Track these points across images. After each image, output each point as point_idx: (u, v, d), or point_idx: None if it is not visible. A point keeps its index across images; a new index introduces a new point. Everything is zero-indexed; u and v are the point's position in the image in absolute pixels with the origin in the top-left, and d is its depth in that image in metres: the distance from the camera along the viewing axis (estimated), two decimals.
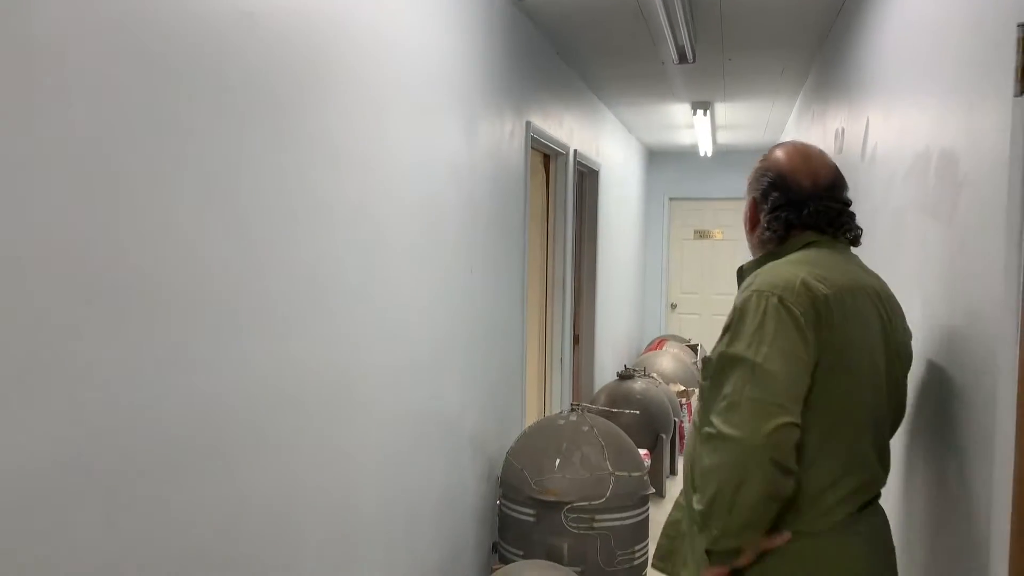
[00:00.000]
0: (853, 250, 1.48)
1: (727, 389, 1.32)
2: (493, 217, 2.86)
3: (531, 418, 4.13)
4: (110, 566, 1.11)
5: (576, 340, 5.05)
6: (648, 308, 8.64)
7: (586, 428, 2.78)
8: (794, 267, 1.38)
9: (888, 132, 1.91)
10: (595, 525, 2.61)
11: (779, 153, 1.56)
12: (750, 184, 1.61)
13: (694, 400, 5.73)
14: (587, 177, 5.08)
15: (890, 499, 1.48)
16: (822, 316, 1.31)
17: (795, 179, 1.50)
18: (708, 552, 1.33)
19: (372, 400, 1.89)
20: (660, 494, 4.68)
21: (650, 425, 4.74)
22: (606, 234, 5.66)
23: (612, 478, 2.66)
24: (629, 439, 2.89)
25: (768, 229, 1.54)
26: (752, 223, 1.61)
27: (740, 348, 1.34)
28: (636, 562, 2.71)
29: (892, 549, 1.40)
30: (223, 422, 1.34)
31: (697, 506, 1.32)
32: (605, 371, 5.71)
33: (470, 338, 2.62)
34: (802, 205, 1.47)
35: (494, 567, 2.71)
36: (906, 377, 1.42)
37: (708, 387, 1.41)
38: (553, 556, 2.61)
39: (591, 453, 2.69)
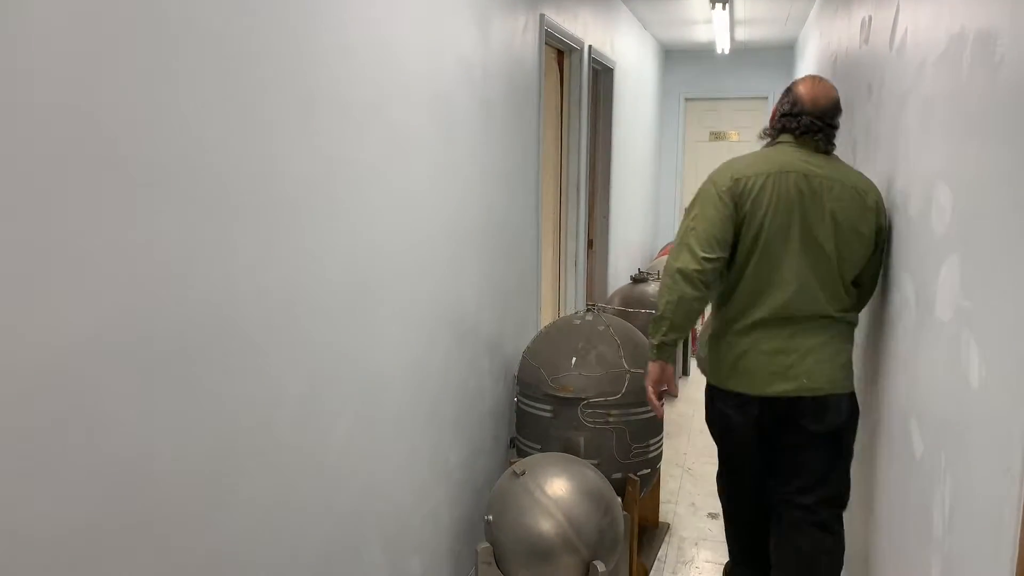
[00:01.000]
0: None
1: (675, 241, 2.14)
2: (507, 116, 2.80)
3: (547, 320, 4.17)
4: (145, 445, 1.15)
5: (590, 244, 5.04)
6: (662, 212, 8.57)
7: (602, 327, 2.81)
8: (744, 159, 2.20)
9: (920, 16, 1.83)
10: (610, 420, 2.67)
11: (801, 80, 2.19)
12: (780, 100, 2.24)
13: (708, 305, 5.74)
14: (602, 76, 4.94)
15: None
16: (740, 191, 2.08)
17: (800, 99, 2.13)
18: (652, 348, 2.22)
19: (391, 301, 1.91)
20: (672, 393, 4.77)
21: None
22: (620, 136, 5.56)
23: (628, 375, 2.70)
24: (644, 337, 2.93)
25: (768, 132, 2.25)
26: (764, 129, 2.30)
27: (687, 218, 2.15)
28: (651, 455, 2.78)
29: (810, 350, 2.06)
30: (245, 316, 1.36)
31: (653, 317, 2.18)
32: (619, 275, 5.73)
33: (485, 240, 2.61)
34: (797, 118, 2.12)
35: (511, 461, 2.80)
36: (860, 235, 2.03)
37: None
38: (570, 449, 2.68)
39: (607, 351, 2.73)
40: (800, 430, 2.10)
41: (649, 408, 2.76)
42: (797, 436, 2.11)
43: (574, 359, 2.73)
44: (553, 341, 2.82)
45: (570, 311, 4.17)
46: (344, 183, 1.65)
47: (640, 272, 5.06)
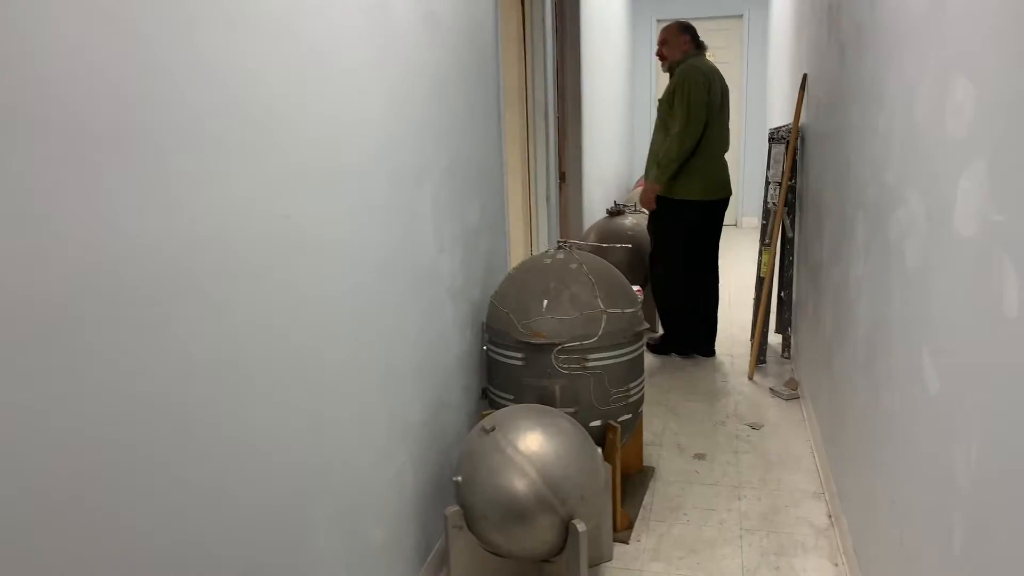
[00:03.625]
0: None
1: (680, 114, 3.82)
2: (459, 33, 2.51)
3: (518, 261, 3.93)
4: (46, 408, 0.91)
5: (562, 178, 4.77)
6: (637, 142, 8.28)
7: (574, 266, 2.58)
8: (700, 63, 3.85)
9: None
10: (587, 365, 2.47)
11: (684, 22, 3.97)
12: (674, 36, 3.96)
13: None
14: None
15: None
16: (708, 83, 3.81)
17: (692, 30, 3.96)
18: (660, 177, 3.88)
19: (328, 245, 1.67)
20: (653, 329, 4.59)
21: (642, 261, 4.57)
22: (590, 62, 5.24)
23: (604, 316, 2.49)
24: (621, 275, 2.70)
25: (690, 51, 3.93)
26: (681, 49, 3.94)
27: (688, 102, 3.79)
28: (632, 399, 2.60)
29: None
30: (155, 272, 1.11)
31: (659, 158, 3.85)
32: (594, 209, 5.48)
33: (441, 176, 2.35)
34: (698, 41, 3.96)
35: (483, 413, 2.60)
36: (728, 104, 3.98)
37: (668, 111, 3.90)
38: (545, 399, 2.49)
39: (580, 291, 2.51)
40: (721, 219, 4.05)
41: (629, 350, 2.57)
42: (719, 223, 4.05)
43: (545, 302, 2.50)
44: (522, 284, 2.60)
45: (543, 250, 3.93)
46: (248, 112, 1.38)
47: (616, 204, 4.82)
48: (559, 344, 2.45)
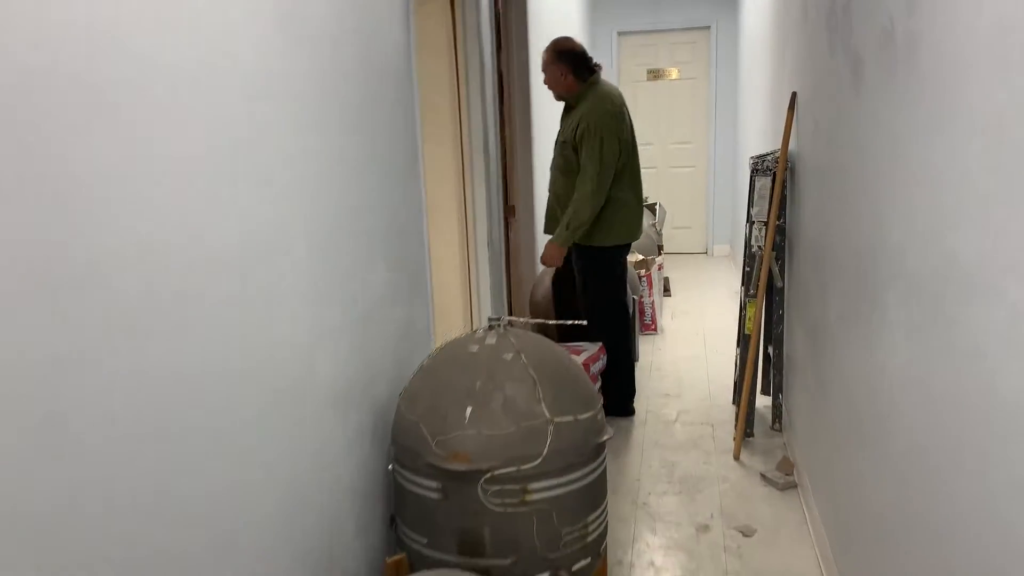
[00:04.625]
0: None
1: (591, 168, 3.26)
2: (349, 46, 1.82)
3: (453, 329, 3.25)
4: None
5: (512, 212, 4.11)
6: None
7: (510, 355, 1.89)
8: (611, 97, 3.32)
9: None
10: (528, 498, 1.78)
11: (563, 40, 3.33)
12: (551, 66, 3.32)
13: (655, 272, 4.90)
14: (512, 2, 3.94)
15: None
16: (621, 124, 3.30)
17: (579, 50, 3.33)
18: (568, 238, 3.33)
19: (134, 353, 0.96)
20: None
21: None
22: (541, 79, 4.59)
23: (550, 428, 1.80)
24: (574, 362, 2.03)
25: (585, 77, 3.34)
26: (563, 84, 3.35)
27: (598, 149, 3.24)
28: (591, 537, 1.91)
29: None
30: None
31: (569, 220, 3.30)
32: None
33: (315, 238, 1.66)
34: (589, 62, 3.36)
35: (388, 560, 1.90)
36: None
37: (572, 155, 3.33)
38: (470, 544, 1.79)
39: (518, 393, 1.83)
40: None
41: (586, 470, 1.89)
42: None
43: (469, 409, 1.81)
44: (438, 382, 1.90)
45: (486, 308, 3.25)
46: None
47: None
48: (488, 470, 1.76)
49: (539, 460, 1.78)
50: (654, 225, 5.96)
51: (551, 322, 2.09)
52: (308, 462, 1.63)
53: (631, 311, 4.13)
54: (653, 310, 4.94)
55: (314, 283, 1.64)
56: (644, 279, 4.87)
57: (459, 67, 3.07)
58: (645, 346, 4.74)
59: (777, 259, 3.24)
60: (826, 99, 2.46)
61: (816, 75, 2.65)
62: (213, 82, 1.26)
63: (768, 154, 3.36)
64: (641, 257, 5.02)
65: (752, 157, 3.39)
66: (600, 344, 3.50)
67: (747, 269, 3.32)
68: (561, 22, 5.36)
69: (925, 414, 1.44)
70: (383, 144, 2.04)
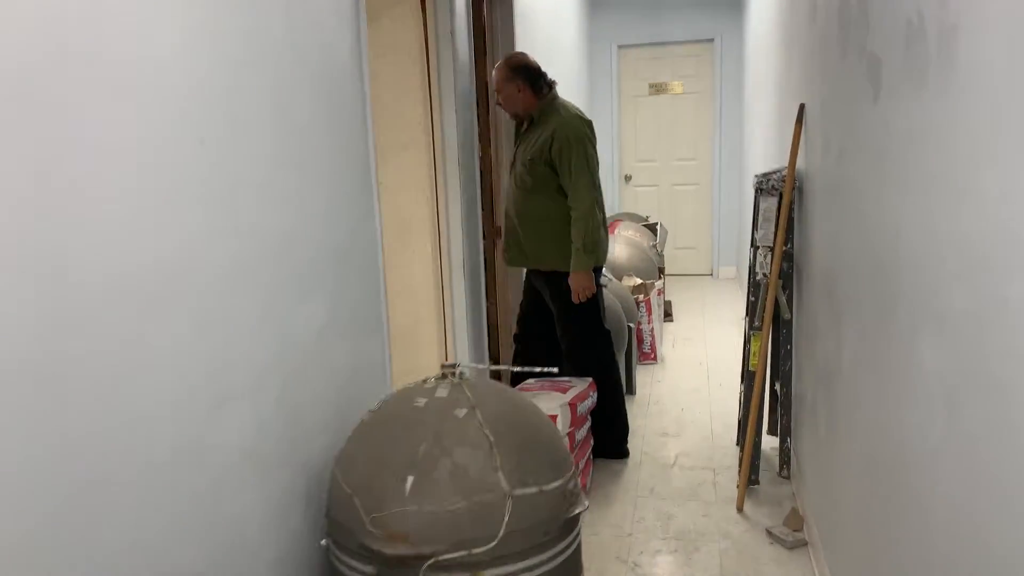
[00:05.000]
0: None
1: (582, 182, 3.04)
2: (286, 48, 1.54)
3: (424, 368, 2.95)
4: None
5: (498, 233, 3.81)
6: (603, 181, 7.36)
7: (463, 411, 1.59)
8: (575, 108, 3.11)
9: None
10: None
11: (515, 58, 3.05)
12: (509, 80, 3.01)
13: (654, 297, 4.58)
14: (496, 6, 3.67)
15: None
16: (594, 135, 3.13)
17: (534, 65, 3.05)
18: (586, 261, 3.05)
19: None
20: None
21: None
22: None
23: (509, 502, 1.49)
24: (542, 417, 1.72)
25: (544, 92, 3.06)
26: (526, 97, 3.04)
27: (583, 161, 3.03)
28: None
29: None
30: None
31: (583, 243, 3.02)
32: None
33: (221, 271, 1.36)
34: (545, 77, 3.07)
35: None
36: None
37: (548, 173, 3.03)
38: None
39: (470, 459, 1.52)
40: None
41: (555, 551, 1.57)
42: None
43: (410, 480, 1.50)
44: (375, 443, 1.60)
45: (462, 346, 2.94)
46: None
47: None
48: (431, 555, 1.45)
49: (494, 543, 1.46)
50: (655, 246, 5.66)
51: (515, 368, 1.79)
52: (210, 542, 1.32)
53: (624, 339, 3.82)
54: (652, 338, 4.63)
55: (218, 323, 1.34)
56: (643, 304, 4.55)
57: (431, 74, 2.79)
58: (643, 377, 4.42)
59: (784, 288, 2.93)
60: (837, 110, 2.17)
61: (826, 83, 2.35)
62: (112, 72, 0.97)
63: (774, 172, 3.06)
64: (639, 281, 4.71)
65: (757, 176, 3.09)
66: (590, 380, 3.19)
67: (752, 298, 3.01)
68: (555, 35, 5.10)
69: (973, 494, 1.12)
70: (324, 159, 1.75)
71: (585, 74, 6.65)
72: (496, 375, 3.55)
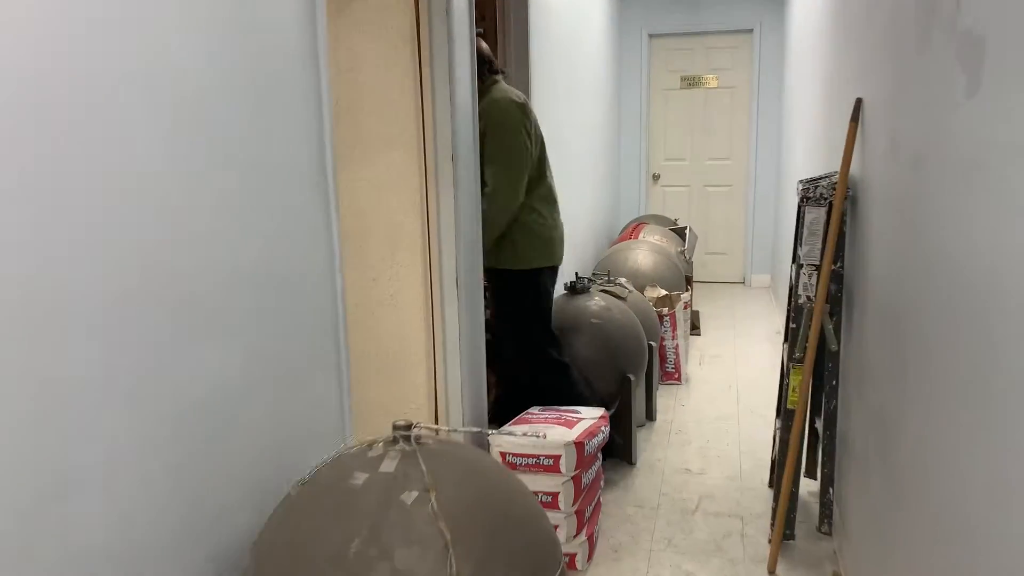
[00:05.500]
0: None
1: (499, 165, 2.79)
2: (191, 34, 1.16)
3: (412, 409, 2.59)
4: None
5: None
6: (624, 180, 6.95)
7: (414, 494, 1.20)
8: (514, 92, 2.82)
9: None
10: None
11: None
12: None
13: (679, 311, 4.17)
14: None
15: None
16: (528, 120, 2.80)
17: (483, 51, 2.80)
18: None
19: None
20: (631, 461, 3.20)
21: (611, 362, 3.20)
22: (549, 82, 3.91)
23: None
24: (526, 501, 1.32)
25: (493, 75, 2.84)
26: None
27: (507, 150, 2.79)
28: None
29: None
30: None
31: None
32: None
33: (101, 309, 0.99)
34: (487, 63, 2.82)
35: None
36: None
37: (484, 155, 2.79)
38: None
39: (416, 564, 1.13)
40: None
41: None
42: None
43: None
44: (297, 532, 1.22)
45: (455, 380, 2.56)
46: None
47: (579, 278, 3.45)
48: None
49: None
50: (683, 252, 5.22)
51: (489, 432, 1.40)
52: None
53: (643, 360, 3.41)
54: (676, 356, 4.21)
55: (55, 384, 0.97)
56: (667, 319, 4.13)
57: (423, 59, 2.40)
58: (665, 399, 4.00)
59: (831, 315, 2.50)
60: (911, 106, 1.74)
61: (895, 72, 1.92)
62: None
63: (821, 178, 2.63)
64: (664, 292, 4.28)
65: (801, 181, 2.66)
66: (602, 411, 2.79)
67: (792, 325, 2.58)
68: (577, 20, 4.68)
69: None
70: (244, 163, 1.37)
71: (612, 64, 6.22)
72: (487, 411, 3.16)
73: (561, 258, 2.98)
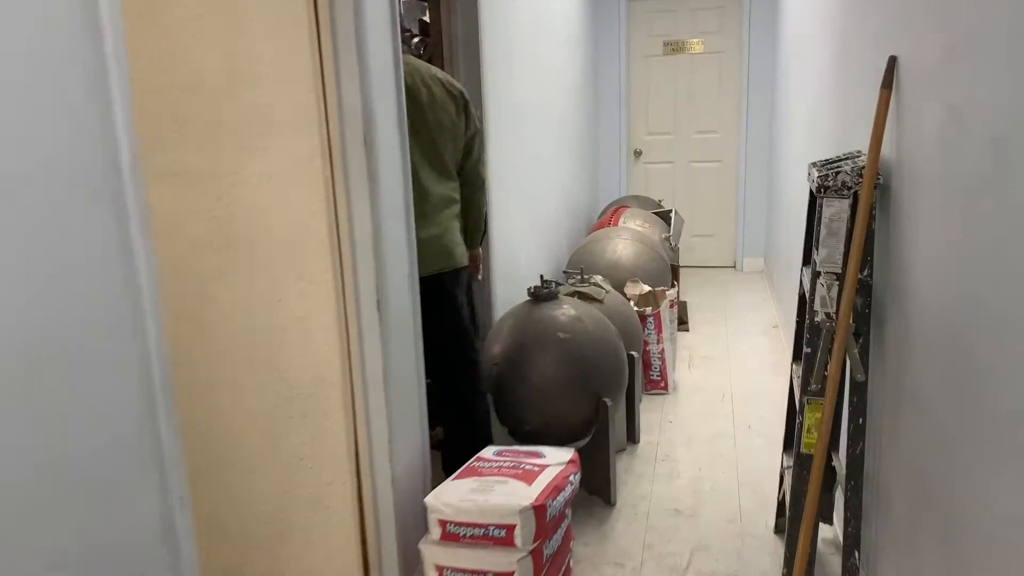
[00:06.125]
0: None
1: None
2: None
3: (322, 452, 2.04)
4: None
5: None
6: (603, 160, 6.36)
7: None
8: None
9: None
10: None
11: None
12: None
13: (665, 310, 3.63)
14: None
15: None
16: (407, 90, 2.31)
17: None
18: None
19: None
20: (609, 501, 2.67)
21: (584, 385, 2.67)
22: (503, 44, 3.32)
23: None
24: None
25: None
26: None
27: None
28: None
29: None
30: None
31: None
32: (520, 279, 3.54)
33: None
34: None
35: None
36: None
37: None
38: None
39: None
40: None
41: None
42: None
43: None
44: None
45: (377, 415, 2.00)
46: None
47: (544, 282, 2.90)
48: None
49: None
50: (668, 239, 4.67)
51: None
52: None
53: (623, 376, 2.88)
54: (662, 361, 3.67)
55: None
56: (651, 320, 3.59)
57: (319, 10, 1.81)
58: (651, 415, 3.47)
59: (857, 336, 1.96)
60: (990, 65, 1.18)
61: (958, 19, 1.36)
62: None
63: (840, 160, 2.07)
64: (647, 288, 3.74)
65: (816, 165, 2.10)
66: (572, 454, 2.25)
67: (807, 349, 2.04)
68: None
69: None
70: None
71: (587, 29, 5.61)
72: (435, 445, 2.62)
73: (426, 270, 2.37)
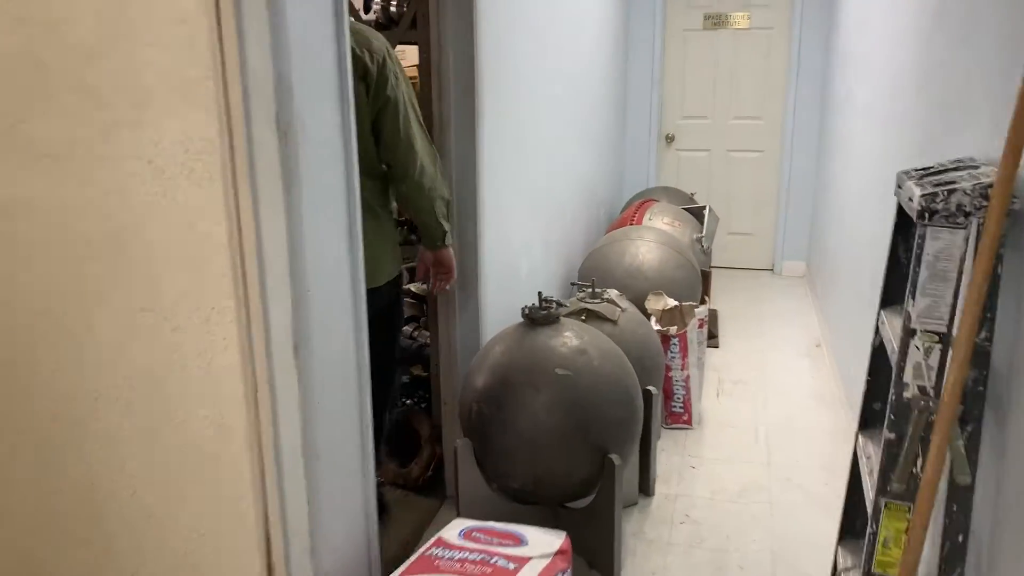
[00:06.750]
0: None
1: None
2: None
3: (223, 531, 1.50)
4: None
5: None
6: (630, 146, 5.75)
7: None
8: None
9: None
10: None
11: None
12: None
13: (692, 331, 3.07)
14: None
15: None
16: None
17: None
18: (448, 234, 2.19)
19: None
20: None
21: (585, 436, 2.13)
22: (505, 4, 2.75)
23: None
24: None
25: None
26: None
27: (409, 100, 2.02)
28: None
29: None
30: None
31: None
32: (521, 290, 2.98)
33: None
34: None
35: None
36: None
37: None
38: None
39: None
40: None
41: None
42: None
43: None
44: None
45: (294, 489, 1.48)
46: None
47: (544, 301, 2.34)
48: None
49: None
50: (699, 239, 4.08)
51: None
52: None
53: (638, 421, 2.33)
54: (687, 390, 3.11)
55: None
56: (675, 342, 3.03)
57: None
58: (670, 456, 2.92)
59: (963, 423, 1.39)
60: None
61: None
62: None
63: (948, 169, 1.49)
64: (672, 303, 3.17)
65: (911, 175, 1.52)
66: (564, 538, 1.72)
67: (888, 435, 1.47)
68: None
69: None
70: None
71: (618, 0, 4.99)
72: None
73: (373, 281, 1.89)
